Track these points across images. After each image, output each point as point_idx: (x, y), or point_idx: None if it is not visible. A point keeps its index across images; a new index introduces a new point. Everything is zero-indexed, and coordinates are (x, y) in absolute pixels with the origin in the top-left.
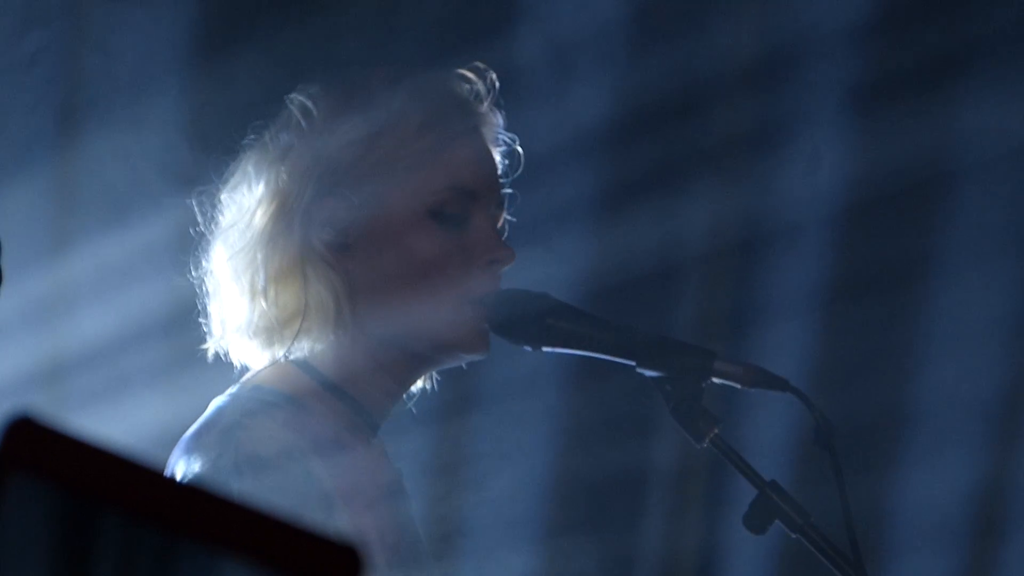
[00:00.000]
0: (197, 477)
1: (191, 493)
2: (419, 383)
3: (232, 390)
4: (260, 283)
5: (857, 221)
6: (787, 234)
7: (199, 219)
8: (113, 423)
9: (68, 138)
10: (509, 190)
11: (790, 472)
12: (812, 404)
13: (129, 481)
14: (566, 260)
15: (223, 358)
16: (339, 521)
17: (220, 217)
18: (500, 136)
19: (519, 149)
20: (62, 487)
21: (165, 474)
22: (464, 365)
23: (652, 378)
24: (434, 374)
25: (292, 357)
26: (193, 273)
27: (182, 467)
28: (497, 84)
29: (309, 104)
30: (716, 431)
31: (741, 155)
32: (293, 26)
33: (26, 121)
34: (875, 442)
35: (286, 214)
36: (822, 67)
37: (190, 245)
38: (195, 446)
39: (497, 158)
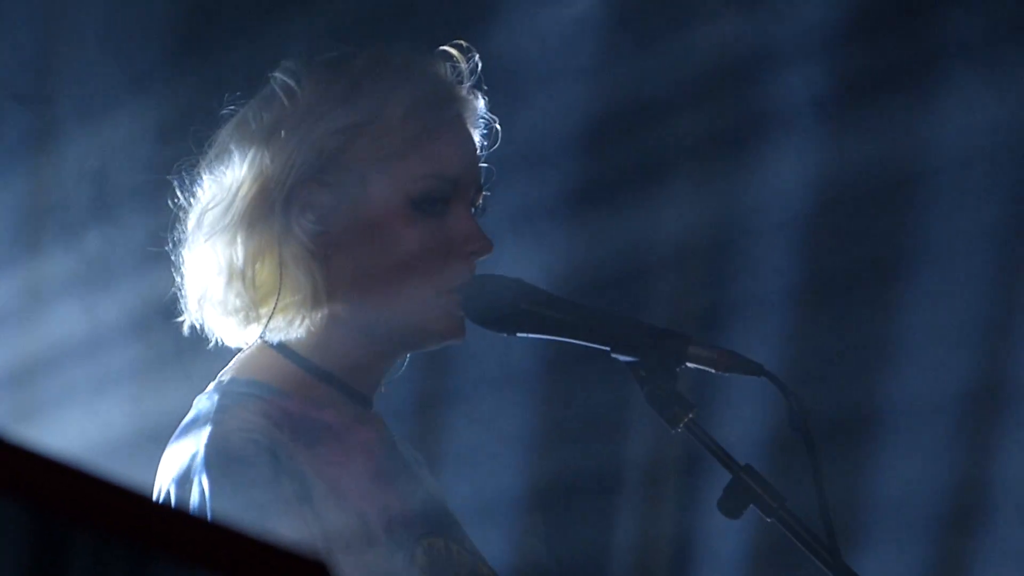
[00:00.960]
0: (175, 482)
1: (162, 511)
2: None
3: (211, 387)
4: (238, 265)
5: (830, 220)
6: (762, 232)
7: (178, 192)
8: (84, 425)
9: (41, 139)
10: (485, 164)
11: (765, 458)
12: (787, 388)
13: (99, 499)
14: (543, 256)
15: (199, 332)
16: (321, 503)
17: (199, 192)
18: (481, 119)
19: (498, 127)
20: (33, 506)
21: (143, 487)
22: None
23: (627, 363)
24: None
25: (272, 341)
26: (171, 248)
27: (163, 474)
28: (480, 65)
29: (293, 85)
30: (691, 416)
31: (717, 153)
32: (274, 22)
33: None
34: (847, 437)
35: (268, 198)
36: (795, 68)
37: (166, 244)
38: (174, 452)
39: (477, 138)
